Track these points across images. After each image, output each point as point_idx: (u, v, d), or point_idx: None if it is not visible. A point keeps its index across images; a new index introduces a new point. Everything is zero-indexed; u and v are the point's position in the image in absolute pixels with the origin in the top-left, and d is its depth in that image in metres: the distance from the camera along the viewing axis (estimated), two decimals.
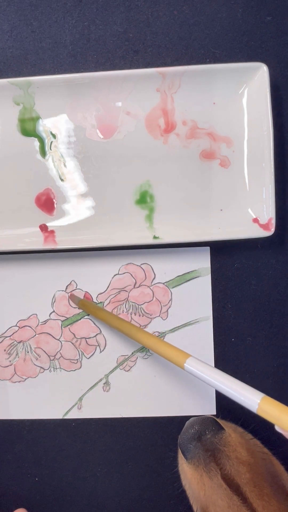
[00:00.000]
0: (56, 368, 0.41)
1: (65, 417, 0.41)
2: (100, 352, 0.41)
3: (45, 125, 0.39)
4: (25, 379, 0.41)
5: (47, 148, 0.39)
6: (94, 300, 0.41)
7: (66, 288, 0.41)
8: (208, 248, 0.40)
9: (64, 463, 0.41)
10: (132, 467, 0.41)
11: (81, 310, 0.41)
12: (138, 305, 0.41)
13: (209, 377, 0.28)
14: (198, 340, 0.40)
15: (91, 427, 0.41)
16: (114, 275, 0.41)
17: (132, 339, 0.36)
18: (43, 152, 0.39)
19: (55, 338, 0.41)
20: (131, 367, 0.41)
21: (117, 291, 0.41)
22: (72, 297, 0.40)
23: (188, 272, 0.40)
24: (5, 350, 0.41)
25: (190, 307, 0.40)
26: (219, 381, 0.27)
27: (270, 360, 0.40)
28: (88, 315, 0.41)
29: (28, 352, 0.41)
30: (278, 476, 0.33)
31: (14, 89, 0.37)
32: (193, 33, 0.39)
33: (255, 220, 0.38)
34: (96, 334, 0.41)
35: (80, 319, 0.41)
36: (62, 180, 0.39)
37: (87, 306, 0.40)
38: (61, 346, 0.41)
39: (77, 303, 0.40)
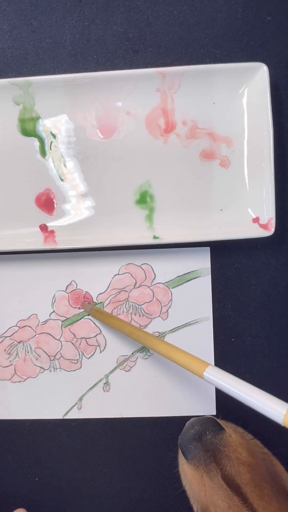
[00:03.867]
0: (56, 368, 0.41)
1: (65, 417, 0.41)
2: (100, 352, 0.41)
3: (45, 125, 0.39)
4: (25, 379, 0.41)
5: (47, 148, 0.39)
6: (94, 300, 0.41)
7: (66, 288, 0.41)
8: (208, 248, 0.40)
9: (64, 463, 0.41)
10: (132, 467, 0.41)
11: (81, 310, 0.41)
12: (138, 305, 0.41)
13: (231, 386, 0.26)
14: (198, 340, 0.40)
15: (91, 427, 0.41)
16: (114, 275, 0.41)
17: (147, 347, 0.35)
18: (43, 152, 0.39)
19: (55, 338, 0.41)
20: (131, 367, 0.41)
21: (117, 291, 0.41)
22: (84, 306, 0.40)
23: (188, 272, 0.40)
24: (5, 350, 0.41)
25: (190, 307, 0.40)
26: (241, 391, 0.26)
27: (270, 360, 0.40)
28: (89, 315, 0.41)
29: (28, 352, 0.41)
30: (278, 477, 0.33)
31: (14, 89, 0.37)
32: (193, 33, 0.39)
33: (255, 220, 0.38)
34: (96, 334, 0.41)
35: (80, 319, 0.41)
36: (62, 180, 0.39)
37: (99, 315, 0.39)
38: (61, 346, 0.41)
39: (89, 312, 0.40)
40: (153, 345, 0.32)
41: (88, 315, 0.41)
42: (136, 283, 0.41)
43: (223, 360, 0.40)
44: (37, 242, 0.39)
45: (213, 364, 0.40)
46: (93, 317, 0.40)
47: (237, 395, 0.26)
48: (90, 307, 0.40)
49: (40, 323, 0.41)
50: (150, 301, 0.41)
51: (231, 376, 0.27)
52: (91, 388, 0.41)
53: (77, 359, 0.41)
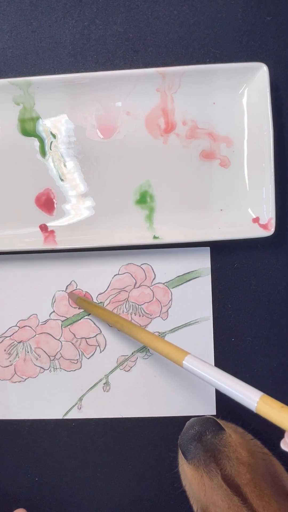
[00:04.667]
0: (56, 368, 0.41)
1: (65, 417, 0.41)
2: (100, 352, 0.41)
3: (45, 125, 0.39)
4: (25, 379, 0.41)
5: (47, 148, 0.39)
6: (94, 300, 0.41)
7: (66, 288, 0.41)
8: (208, 248, 0.40)
9: (64, 463, 0.41)
10: (132, 467, 0.41)
11: (81, 310, 0.41)
12: (138, 305, 0.41)
13: (207, 375, 0.27)
14: (198, 340, 0.40)
15: (91, 427, 0.41)
16: (114, 275, 0.41)
17: (131, 337, 0.35)
18: (43, 152, 0.39)
19: (55, 338, 0.41)
20: (131, 367, 0.41)
21: (117, 291, 0.41)
22: (70, 295, 0.40)
23: (188, 272, 0.40)
24: (5, 350, 0.41)
25: (190, 307, 0.40)
26: (217, 379, 0.27)
27: (270, 360, 0.40)
28: (89, 315, 0.41)
29: (28, 352, 0.41)
30: (278, 477, 0.33)
31: (14, 89, 0.37)
32: (193, 33, 0.39)
33: (255, 220, 0.38)
34: (96, 334, 0.41)
35: (80, 319, 0.41)
36: (62, 180, 0.39)
37: (85, 304, 0.40)
38: (61, 346, 0.41)
39: (75, 301, 0.40)
40: (136, 334, 0.33)
41: (89, 315, 0.41)
42: (136, 283, 0.41)
43: (223, 360, 0.40)
44: (37, 242, 0.39)
45: (213, 364, 0.40)
46: (80, 307, 0.40)
47: (214, 383, 0.27)
48: (76, 297, 0.40)
49: (40, 323, 0.41)
50: (150, 301, 0.41)
51: (208, 365, 0.28)
52: (91, 388, 0.41)
53: (77, 359, 0.41)
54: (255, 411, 0.25)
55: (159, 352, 0.31)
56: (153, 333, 0.33)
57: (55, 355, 0.41)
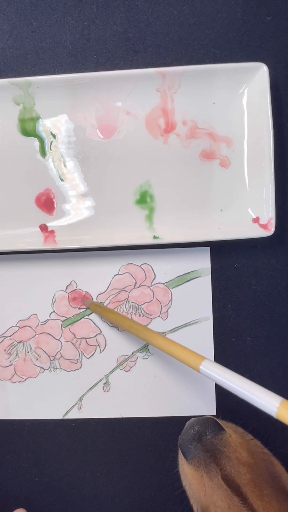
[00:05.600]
0: (56, 368, 0.41)
1: (65, 417, 0.41)
2: (100, 352, 0.41)
3: (45, 125, 0.39)
4: (25, 379, 0.41)
5: (47, 148, 0.39)
6: (94, 300, 0.41)
7: (66, 288, 0.41)
8: (208, 248, 0.40)
9: (64, 463, 0.41)
10: (132, 467, 0.41)
11: (81, 310, 0.41)
12: (138, 305, 0.41)
13: (226, 380, 0.26)
14: (198, 340, 0.40)
15: (91, 427, 0.41)
16: (114, 275, 0.41)
17: (146, 342, 0.35)
18: (43, 152, 0.39)
19: (55, 338, 0.41)
20: (131, 367, 0.41)
21: (117, 291, 0.41)
22: (84, 301, 0.40)
23: (188, 272, 0.40)
24: (5, 350, 0.41)
25: (190, 307, 0.40)
26: (236, 384, 0.26)
27: (270, 360, 0.40)
28: (89, 315, 0.41)
29: (28, 352, 0.41)
30: (278, 477, 0.33)
31: (14, 89, 0.37)
32: (193, 33, 0.39)
33: (255, 220, 0.38)
34: (96, 334, 0.41)
35: (80, 319, 0.41)
36: (62, 180, 0.39)
37: (99, 309, 0.40)
38: (61, 346, 0.41)
39: (89, 306, 0.40)
40: (151, 339, 0.33)
41: (89, 315, 0.41)
42: (136, 283, 0.41)
43: (223, 360, 0.40)
44: (37, 242, 0.39)
45: None
46: (93, 311, 0.40)
47: (232, 389, 0.26)
48: (89, 302, 0.40)
49: (40, 323, 0.41)
50: (150, 301, 0.41)
51: (227, 370, 0.27)
52: (91, 388, 0.41)
53: (77, 359, 0.41)
54: (275, 417, 0.24)
55: (175, 357, 0.30)
56: (168, 338, 0.32)
57: (55, 355, 0.41)
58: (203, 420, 0.34)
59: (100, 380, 0.41)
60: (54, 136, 0.39)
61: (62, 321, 0.41)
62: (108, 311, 0.39)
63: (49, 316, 0.41)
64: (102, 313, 0.40)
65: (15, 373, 0.41)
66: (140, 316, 0.40)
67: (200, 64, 0.39)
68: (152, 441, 0.41)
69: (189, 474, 0.33)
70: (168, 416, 0.41)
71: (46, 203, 0.39)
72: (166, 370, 0.40)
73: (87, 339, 0.41)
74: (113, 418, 0.41)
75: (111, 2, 0.39)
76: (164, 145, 0.39)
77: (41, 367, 0.41)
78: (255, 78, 0.37)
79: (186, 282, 0.40)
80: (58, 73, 0.40)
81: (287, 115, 0.40)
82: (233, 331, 0.40)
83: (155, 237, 0.38)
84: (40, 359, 0.41)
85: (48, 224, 0.39)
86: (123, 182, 0.39)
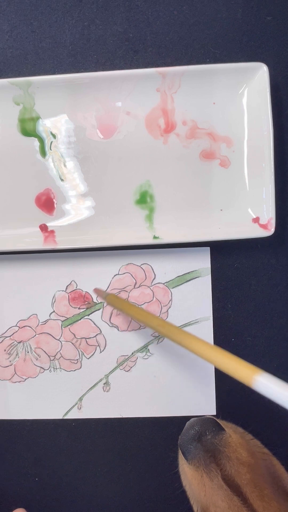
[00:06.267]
0: (56, 368, 0.41)
1: (65, 417, 0.41)
2: (100, 352, 0.41)
3: (45, 125, 0.39)
4: (25, 379, 0.41)
5: (47, 148, 0.39)
6: (94, 300, 0.41)
7: (66, 288, 0.41)
8: (208, 248, 0.40)
9: (64, 463, 0.41)
10: (132, 467, 0.41)
11: (81, 310, 0.41)
12: (139, 305, 0.41)
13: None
14: None
15: (91, 427, 0.41)
16: (114, 275, 0.41)
17: (175, 343, 0.29)
18: (43, 152, 0.39)
19: (55, 338, 0.41)
20: (131, 367, 0.41)
21: (117, 291, 0.41)
22: (98, 292, 0.39)
23: (188, 272, 0.40)
24: (5, 350, 0.41)
25: (190, 307, 0.40)
26: None
27: (270, 360, 0.40)
28: (89, 315, 0.41)
29: (28, 352, 0.41)
30: (278, 477, 0.33)
31: (14, 89, 0.37)
32: (193, 33, 0.39)
33: (255, 220, 0.38)
34: (96, 334, 0.41)
35: (80, 319, 0.41)
36: (62, 180, 0.39)
37: (117, 302, 0.37)
38: (61, 346, 0.41)
39: (104, 298, 0.38)
40: (187, 343, 0.28)
41: (89, 315, 0.41)
42: (136, 283, 0.41)
43: None
44: (37, 242, 0.39)
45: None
46: (110, 305, 0.38)
47: None
48: (105, 293, 0.38)
49: (40, 323, 0.41)
50: (150, 301, 0.41)
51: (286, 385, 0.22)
52: (91, 388, 0.41)
53: (77, 359, 0.41)
54: None
55: (221, 368, 0.25)
56: (205, 341, 0.27)
57: (55, 355, 0.41)
58: (203, 420, 0.34)
59: (100, 380, 0.41)
60: (54, 136, 0.39)
61: (62, 321, 0.41)
62: (129, 305, 0.36)
63: (49, 316, 0.41)
64: (120, 307, 0.37)
65: (15, 373, 0.41)
66: None
67: (200, 64, 0.39)
68: (152, 441, 0.41)
69: (189, 474, 0.33)
70: (168, 416, 0.41)
71: (46, 203, 0.39)
72: (166, 370, 0.40)
73: (87, 339, 0.41)
74: (113, 418, 0.41)
75: (111, 2, 0.39)
76: (164, 145, 0.39)
77: (41, 367, 0.41)
78: (255, 78, 0.37)
79: (186, 282, 0.40)
80: (58, 73, 0.40)
81: (287, 115, 0.40)
82: (233, 331, 0.40)
83: (155, 237, 0.38)
84: (40, 359, 0.41)
85: (48, 224, 0.39)
86: (123, 182, 0.39)
